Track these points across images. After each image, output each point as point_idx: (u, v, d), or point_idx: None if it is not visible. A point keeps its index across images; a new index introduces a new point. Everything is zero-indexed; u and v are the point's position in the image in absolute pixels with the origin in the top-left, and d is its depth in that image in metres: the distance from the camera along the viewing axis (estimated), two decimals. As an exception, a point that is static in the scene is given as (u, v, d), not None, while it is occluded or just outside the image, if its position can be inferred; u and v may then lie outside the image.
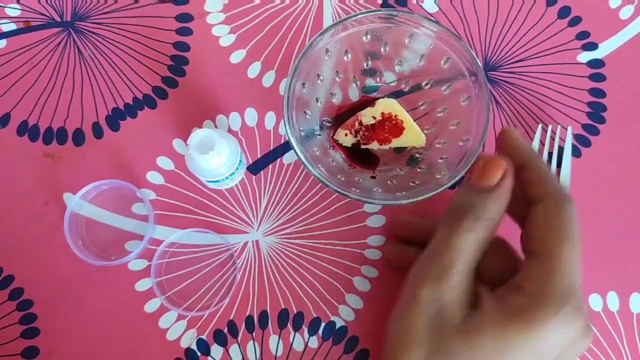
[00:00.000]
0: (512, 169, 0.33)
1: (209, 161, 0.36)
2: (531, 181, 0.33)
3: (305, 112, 0.40)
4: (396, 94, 0.43)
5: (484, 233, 0.32)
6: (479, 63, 0.38)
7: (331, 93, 0.42)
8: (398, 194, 0.38)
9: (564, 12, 0.47)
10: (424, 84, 0.42)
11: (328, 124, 0.43)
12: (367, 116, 0.41)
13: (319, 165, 0.38)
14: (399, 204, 0.37)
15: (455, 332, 0.31)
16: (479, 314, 0.31)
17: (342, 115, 0.43)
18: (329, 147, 0.42)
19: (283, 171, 0.44)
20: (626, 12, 0.47)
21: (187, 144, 0.35)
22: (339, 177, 0.39)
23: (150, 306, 0.41)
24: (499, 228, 0.34)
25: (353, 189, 0.37)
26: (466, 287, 0.32)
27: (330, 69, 0.41)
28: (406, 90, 0.43)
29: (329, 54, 0.40)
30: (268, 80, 0.45)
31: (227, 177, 0.39)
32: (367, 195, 0.37)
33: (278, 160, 0.44)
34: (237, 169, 0.39)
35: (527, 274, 0.31)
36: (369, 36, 0.40)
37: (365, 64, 0.42)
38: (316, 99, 0.41)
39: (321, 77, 0.41)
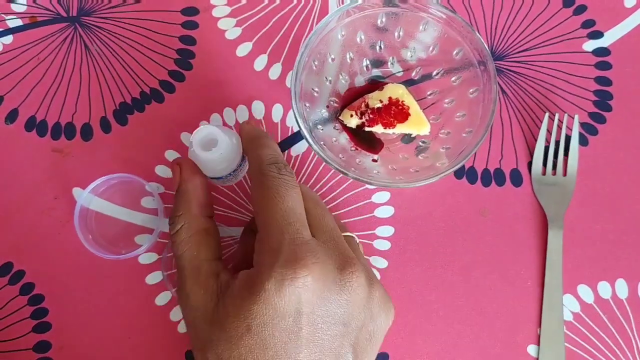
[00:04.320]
0: (186, 160, 0.35)
1: (211, 158, 0.35)
2: (247, 155, 0.35)
3: (313, 89, 0.41)
4: (407, 83, 0.43)
5: (187, 228, 0.33)
6: (487, 49, 0.38)
7: (341, 74, 0.43)
8: (397, 177, 0.38)
9: (569, 0, 0.47)
10: (434, 73, 0.42)
11: (335, 104, 0.43)
12: (374, 99, 0.41)
13: (321, 142, 0.38)
14: (397, 187, 0.37)
15: (209, 324, 0.30)
16: (226, 299, 0.30)
17: (350, 96, 0.43)
18: (333, 127, 0.42)
19: (291, 163, 0.44)
20: (631, 0, 0.47)
21: (190, 141, 0.35)
22: (340, 156, 0.39)
23: (161, 299, 0.41)
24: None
25: (352, 169, 0.38)
26: (205, 284, 0.31)
27: (339, 53, 0.42)
28: (416, 78, 0.43)
29: (342, 33, 0.40)
30: (275, 72, 0.45)
31: (229, 174, 0.38)
32: (365, 175, 0.37)
33: (286, 152, 0.44)
34: (240, 165, 0.39)
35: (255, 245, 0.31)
36: (379, 24, 0.41)
37: (374, 51, 0.43)
38: (325, 77, 0.42)
39: (332, 57, 0.41)
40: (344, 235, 0.33)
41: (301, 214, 0.31)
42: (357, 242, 0.35)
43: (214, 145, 0.34)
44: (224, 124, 0.44)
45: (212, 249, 0.33)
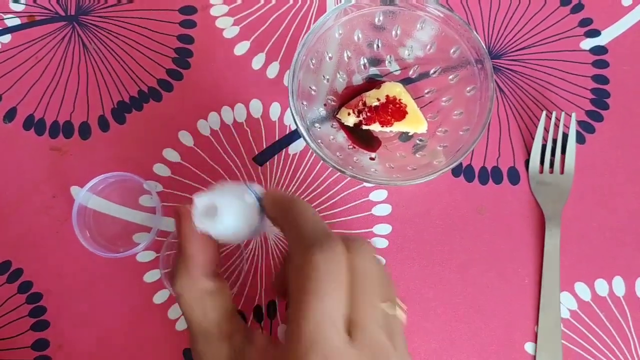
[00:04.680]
0: (183, 211, 0.31)
1: (217, 230, 0.31)
2: (283, 229, 0.31)
3: (310, 87, 0.41)
4: (404, 82, 0.43)
5: (189, 292, 0.31)
6: (484, 47, 0.38)
7: (338, 72, 0.43)
8: (394, 175, 0.39)
9: (566, -1, 0.47)
10: (431, 71, 0.42)
11: (332, 103, 0.43)
12: (372, 97, 0.41)
13: (319, 141, 0.38)
14: (394, 185, 0.38)
15: None
16: None
17: (348, 95, 0.43)
18: (331, 125, 0.43)
19: (289, 162, 0.44)
20: (628, -1, 0.48)
21: (192, 207, 0.31)
22: (337, 154, 0.39)
23: (159, 297, 0.41)
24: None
25: (350, 167, 0.38)
26: (216, 348, 0.30)
27: (336, 52, 0.42)
28: (414, 77, 0.43)
29: (339, 32, 0.40)
30: (272, 71, 0.45)
31: (243, 239, 0.33)
32: (363, 173, 0.37)
33: (283, 150, 0.44)
34: (257, 227, 0.33)
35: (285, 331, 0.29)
36: (376, 22, 0.41)
37: (372, 50, 0.43)
38: (323, 76, 0.42)
39: (330, 55, 0.41)
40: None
41: (339, 313, 0.27)
42: (403, 320, 0.31)
43: (214, 215, 0.30)
44: (222, 123, 0.44)
45: (220, 310, 0.31)
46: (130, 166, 0.43)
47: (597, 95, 0.45)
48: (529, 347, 0.41)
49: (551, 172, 0.44)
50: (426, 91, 0.43)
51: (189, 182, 0.43)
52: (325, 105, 0.42)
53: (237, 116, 0.44)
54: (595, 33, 0.47)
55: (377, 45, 0.43)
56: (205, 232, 0.31)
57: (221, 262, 0.42)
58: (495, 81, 0.45)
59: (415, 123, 0.41)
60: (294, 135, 0.44)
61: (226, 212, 0.30)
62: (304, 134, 0.37)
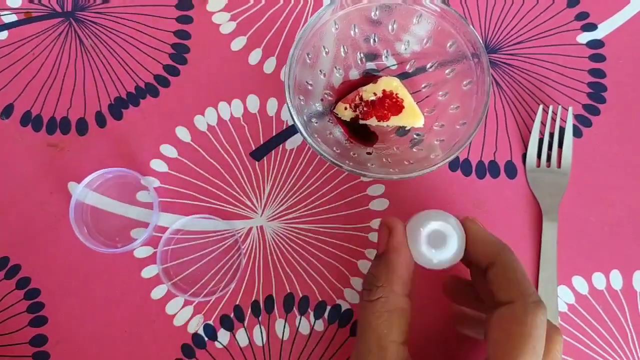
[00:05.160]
0: (398, 225, 0.32)
1: (438, 260, 0.32)
2: (498, 280, 0.32)
3: (307, 82, 0.41)
4: (401, 76, 0.43)
5: (384, 303, 0.31)
6: (480, 41, 0.38)
7: (335, 67, 0.43)
8: (391, 170, 0.39)
9: (562, -7, 0.47)
10: (428, 66, 0.42)
11: (329, 98, 0.43)
12: (368, 92, 0.42)
13: (315, 135, 0.38)
14: (391, 179, 0.38)
15: None
16: None
17: (344, 89, 0.43)
18: (328, 120, 0.43)
19: (286, 157, 0.44)
20: (625, -7, 0.48)
21: (411, 227, 0.32)
22: (334, 149, 0.39)
23: (157, 293, 0.41)
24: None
25: (347, 161, 0.38)
26: (395, 356, 0.30)
27: (333, 46, 0.42)
28: (411, 71, 0.43)
29: (336, 26, 0.40)
30: (269, 66, 0.45)
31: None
32: (360, 168, 0.37)
33: (280, 146, 0.44)
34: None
35: None
36: (373, 17, 0.41)
37: (368, 44, 0.43)
38: (319, 71, 0.42)
39: (326, 50, 0.41)
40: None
41: None
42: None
43: (442, 242, 0.31)
44: (219, 119, 0.44)
45: (403, 332, 0.31)
46: (128, 162, 0.43)
47: (594, 89, 0.45)
48: (526, 340, 0.41)
49: (548, 166, 0.44)
50: (423, 85, 0.43)
51: (186, 178, 0.43)
52: (322, 100, 0.42)
53: (234, 111, 0.44)
54: (591, 27, 0.47)
55: (374, 39, 0.43)
56: (423, 256, 0.32)
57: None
58: (492, 75, 0.45)
59: (412, 117, 0.42)
60: (291, 130, 0.44)
61: (451, 243, 0.31)
62: (301, 129, 0.37)
